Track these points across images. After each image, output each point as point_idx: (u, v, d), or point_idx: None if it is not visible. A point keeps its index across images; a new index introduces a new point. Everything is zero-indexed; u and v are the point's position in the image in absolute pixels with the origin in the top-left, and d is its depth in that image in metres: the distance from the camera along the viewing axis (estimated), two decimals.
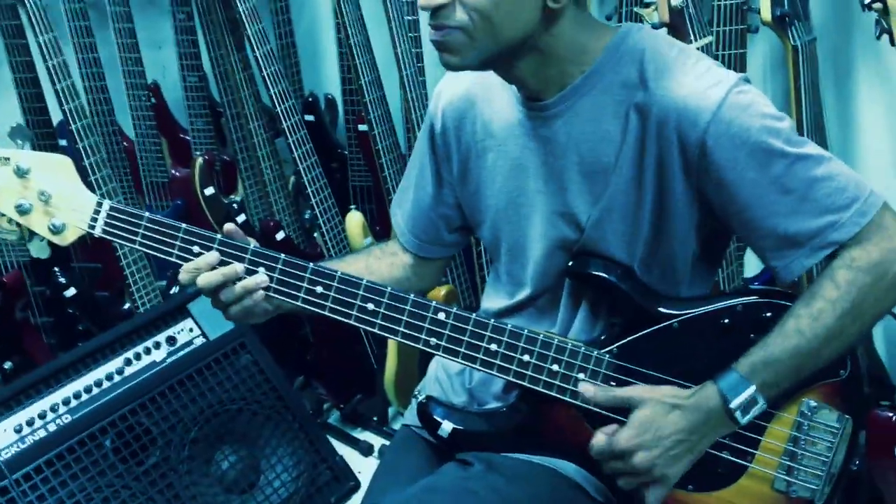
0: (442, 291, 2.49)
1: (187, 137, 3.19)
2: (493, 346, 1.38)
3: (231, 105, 2.99)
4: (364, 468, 2.43)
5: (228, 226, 1.41)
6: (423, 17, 2.64)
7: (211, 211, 2.95)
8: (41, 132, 2.89)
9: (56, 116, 2.85)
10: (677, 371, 1.36)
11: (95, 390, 2.08)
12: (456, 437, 1.45)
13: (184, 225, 1.38)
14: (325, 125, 3.20)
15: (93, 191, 1.39)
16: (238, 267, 1.37)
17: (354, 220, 2.65)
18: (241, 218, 2.81)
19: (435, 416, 1.47)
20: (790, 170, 1.28)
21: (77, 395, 2.06)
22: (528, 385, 1.38)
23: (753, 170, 1.28)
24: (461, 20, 1.27)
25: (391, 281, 1.58)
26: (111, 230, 1.38)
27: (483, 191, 1.49)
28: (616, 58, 1.34)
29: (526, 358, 1.38)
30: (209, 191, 2.95)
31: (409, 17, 2.61)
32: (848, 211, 1.28)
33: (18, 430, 1.98)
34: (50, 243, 1.42)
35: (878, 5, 1.80)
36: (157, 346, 2.18)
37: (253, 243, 1.40)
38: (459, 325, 1.38)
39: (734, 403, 1.29)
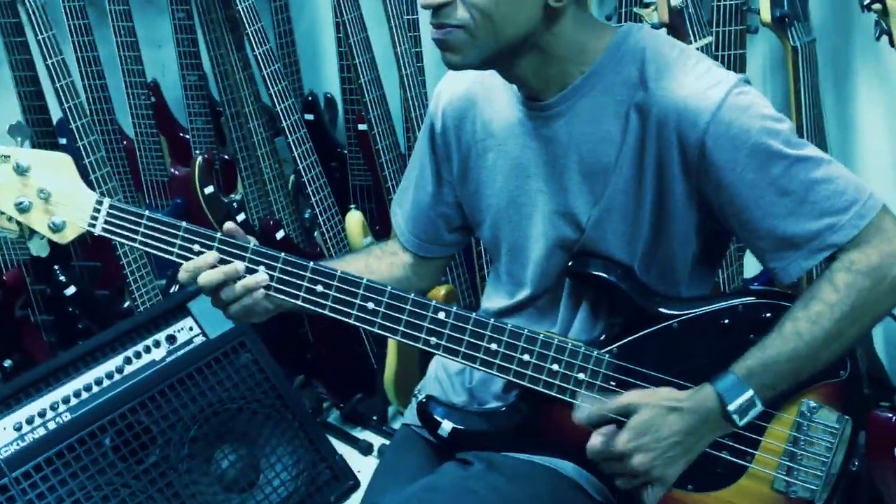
0: (442, 291, 2.49)
1: (187, 136, 3.19)
2: (494, 346, 1.38)
3: (231, 104, 2.99)
4: (364, 467, 2.43)
5: (228, 224, 1.41)
6: (423, 16, 2.65)
7: (211, 210, 2.95)
8: (41, 130, 2.89)
9: (56, 115, 2.85)
10: (677, 371, 1.36)
11: (95, 388, 2.08)
12: (456, 436, 1.46)
13: (184, 223, 1.38)
14: (325, 124, 3.20)
15: (92, 189, 1.38)
16: (239, 265, 1.37)
17: (354, 220, 2.65)
18: (240, 217, 2.80)
19: (435, 416, 1.47)
20: (789, 171, 1.28)
21: (77, 394, 2.06)
22: (528, 385, 1.39)
23: (752, 171, 1.28)
24: (463, 18, 1.27)
25: (391, 280, 1.57)
26: (111, 228, 1.38)
27: (483, 190, 1.49)
28: (617, 58, 1.34)
29: (526, 357, 1.38)
30: (209, 190, 2.94)
31: (409, 17, 2.61)
32: (847, 214, 1.28)
33: (18, 429, 1.98)
34: (50, 241, 1.42)
35: (877, 6, 1.80)
36: (157, 344, 2.18)
37: (253, 242, 1.40)
38: (459, 324, 1.38)
39: (732, 406, 1.29)
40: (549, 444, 1.43)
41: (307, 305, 1.39)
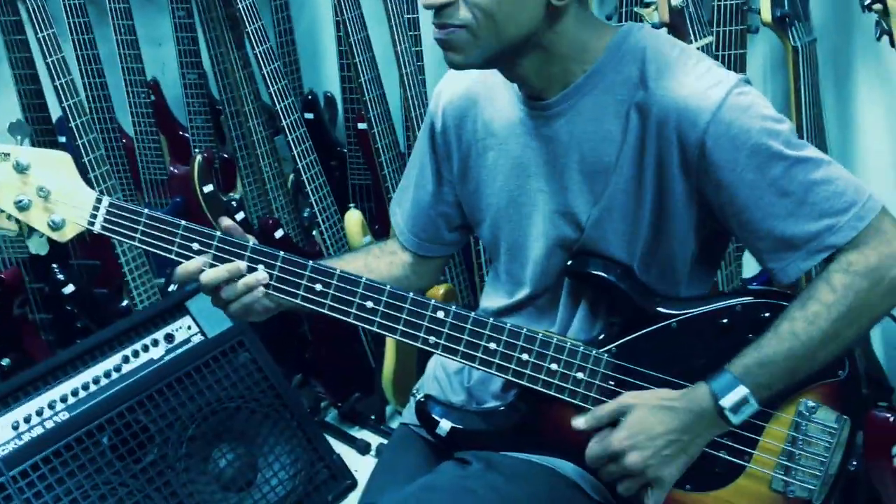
0: (440, 290, 2.48)
1: (186, 135, 3.19)
2: (492, 345, 1.38)
3: (230, 103, 2.98)
4: (361, 467, 2.43)
5: (225, 220, 1.41)
6: (423, 15, 2.65)
7: (210, 209, 2.94)
8: (40, 128, 2.89)
9: (55, 113, 2.85)
10: (676, 371, 1.36)
11: (93, 387, 2.08)
12: (454, 435, 1.46)
13: (183, 222, 1.38)
14: (325, 123, 3.20)
15: (91, 188, 1.38)
16: (241, 264, 1.37)
17: (353, 219, 2.65)
18: (240, 216, 2.80)
19: (433, 415, 1.47)
20: (789, 172, 1.28)
21: (75, 393, 2.06)
22: (527, 384, 1.38)
23: (752, 171, 1.28)
24: (465, 18, 1.27)
25: (390, 279, 1.57)
26: (110, 226, 1.38)
27: (483, 189, 1.49)
28: (617, 57, 1.34)
29: (525, 357, 1.38)
30: (208, 188, 2.94)
31: (409, 16, 2.61)
32: (846, 215, 1.28)
33: (16, 427, 1.98)
34: (49, 240, 1.42)
35: (878, 6, 1.80)
36: (155, 343, 2.18)
37: (252, 241, 1.40)
38: (458, 323, 1.38)
39: (725, 403, 1.29)
40: (548, 443, 1.43)
41: (306, 304, 1.39)
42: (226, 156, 3.16)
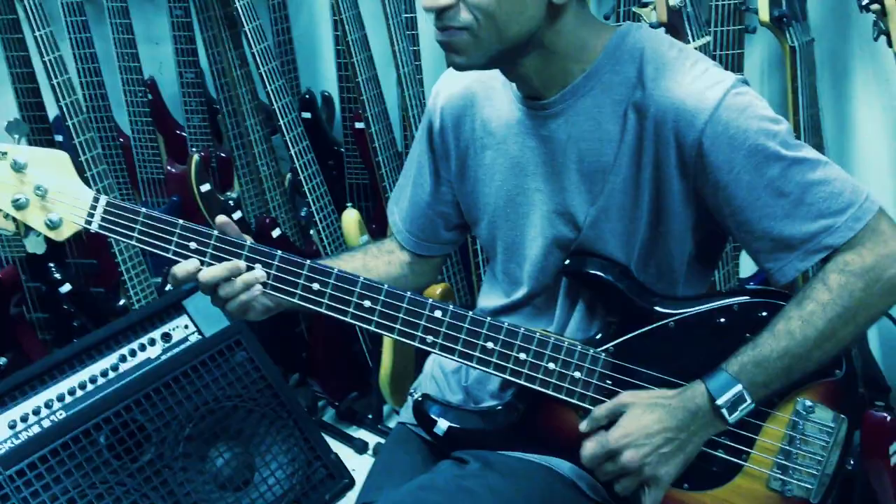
0: (438, 290, 2.48)
1: (184, 134, 3.18)
2: (490, 345, 1.38)
3: (228, 102, 2.98)
4: (359, 466, 2.42)
5: (221, 218, 1.41)
6: (421, 15, 2.65)
7: (207, 208, 2.94)
8: (37, 127, 2.89)
9: (52, 111, 2.84)
10: (673, 370, 1.36)
11: (90, 386, 2.08)
12: (452, 435, 1.46)
13: (181, 221, 1.38)
14: (322, 122, 3.20)
15: (88, 186, 1.38)
16: (240, 263, 1.37)
17: (351, 218, 2.65)
18: (237, 215, 2.80)
19: (431, 415, 1.47)
20: (786, 173, 1.28)
21: (72, 392, 2.06)
22: (525, 383, 1.38)
23: (749, 172, 1.28)
24: (466, 20, 1.27)
25: (388, 279, 1.58)
26: (108, 226, 1.38)
27: (481, 189, 1.49)
28: (616, 57, 1.34)
29: (522, 356, 1.38)
30: (205, 187, 2.94)
31: (407, 15, 2.61)
32: (843, 216, 1.28)
33: (12, 426, 1.98)
34: (46, 239, 1.41)
35: (875, 7, 1.81)
36: (153, 342, 2.18)
37: (248, 240, 1.40)
38: (456, 322, 1.38)
39: (720, 401, 1.29)
40: (546, 442, 1.43)
41: (304, 303, 1.39)
42: (223, 155, 3.16)
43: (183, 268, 1.37)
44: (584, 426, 1.35)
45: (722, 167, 1.28)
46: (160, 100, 3.33)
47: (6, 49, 2.82)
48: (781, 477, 1.38)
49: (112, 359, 2.12)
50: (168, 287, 2.69)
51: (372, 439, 2.71)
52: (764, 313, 1.35)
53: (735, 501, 1.39)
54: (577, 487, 1.42)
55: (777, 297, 1.37)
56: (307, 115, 3.14)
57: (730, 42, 2.01)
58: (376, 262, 1.60)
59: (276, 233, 2.76)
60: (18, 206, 1.36)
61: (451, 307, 1.38)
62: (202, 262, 1.37)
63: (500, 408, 1.46)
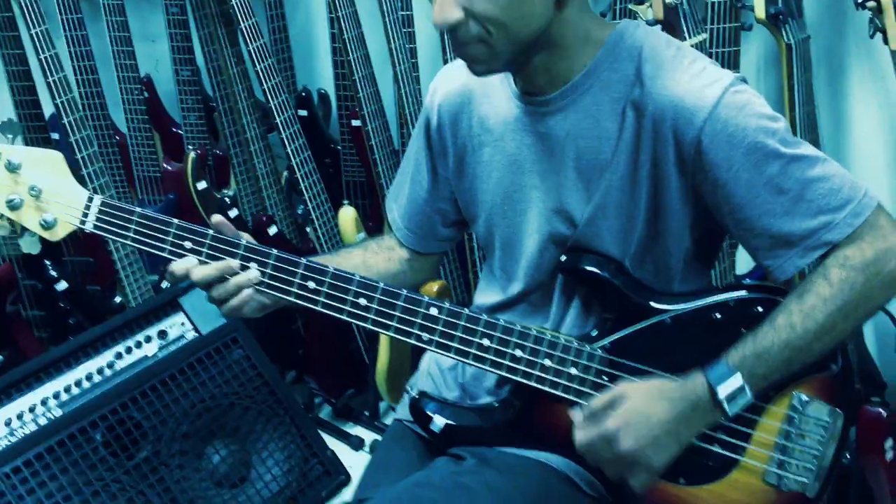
0: (434, 287, 2.48)
1: (180, 132, 3.18)
2: (486, 342, 1.38)
3: (224, 99, 2.98)
4: (355, 463, 2.43)
5: (216, 217, 1.41)
6: (418, 13, 2.65)
7: (203, 205, 2.94)
8: (33, 125, 2.88)
9: (48, 109, 2.84)
10: (669, 366, 1.36)
11: (86, 384, 2.08)
12: (448, 432, 1.46)
13: (176, 220, 1.37)
14: (319, 120, 3.20)
15: (85, 185, 1.38)
16: (234, 263, 1.37)
17: (347, 215, 2.65)
18: (233, 212, 2.80)
19: (427, 412, 1.47)
20: (785, 170, 1.28)
21: (68, 389, 2.06)
22: (521, 380, 1.38)
23: (748, 170, 1.28)
24: (478, 33, 1.28)
25: (387, 275, 1.58)
26: (102, 225, 1.38)
27: (479, 185, 1.49)
28: (614, 55, 1.34)
29: (518, 353, 1.38)
30: (202, 185, 2.93)
31: (404, 13, 2.61)
32: (842, 212, 1.28)
33: (8, 424, 1.98)
34: (41, 239, 1.41)
35: (871, 4, 1.81)
36: (149, 340, 2.18)
37: (245, 238, 1.40)
38: (452, 320, 1.38)
39: (721, 392, 1.29)
40: (542, 439, 1.43)
41: (300, 302, 1.39)
42: (219, 152, 3.16)
43: (181, 265, 1.37)
44: (579, 416, 1.33)
45: (721, 165, 1.28)
46: (156, 97, 3.33)
47: (2, 47, 2.81)
48: (777, 471, 1.38)
49: (108, 356, 2.13)
50: (165, 284, 2.69)
51: (368, 436, 2.71)
52: (760, 309, 1.36)
53: (731, 496, 1.39)
54: (574, 483, 1.42)
55: (773, 292, 1.38)
56: (303, 112, 3.14)
57: (726, 39, 2.01)
58: (376, 258, 1.60)
59: (272, 230, 2.76)
60: (13, 206, 1.36)
61: (447, 305, 1.38)
62: (199, 261, 1.38)
63: (496, 405, 1.46)
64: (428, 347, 1.39)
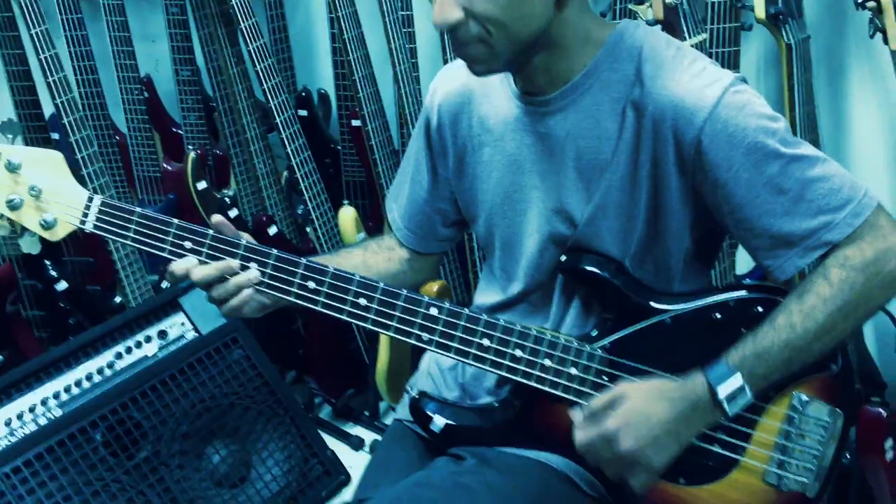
0: (434, 287, 2.48)
1: (180, 132, 3.18)
2: (486, 342, 1.38)
3: (224, 99, 2.98)
4: (355, 463, 2.43)
5: (216, 217, 1.41)
6: (418, 13, 2.65)
7: (203, 205, 2.94)
8: (33, 125, 2.88)
9: (48, 109, 2.84)
10: (669, 366, 1.36)
11: (86, 384, 2.08)
12: (448, 432, 1.46)
13: (176, 220, 1.37)
14: (319, 120, 3.20)
15: (85, 185, 1.38)
16: (233, 263, 1.37)
17: (347, 215, 2.65)
18: (233, 212, 2.80)
19: (427, 412, 1.47)
20: (785, 170, 1.28)
21: (68, 389, 2.06)
22: (521, 380, 1.38)
23: (748, 170, 1.28)
24: (478, 33, 1.28)
25: (388, 275, 1.58)
26: (102, 225, 1.37)
27: (479, 185, 1.49)
28: (614, 55, 1.34)
29: (518, 353, 1.38)
30: (202, 185, 2.93)
31: (404, 13, 2.61)
32: (842, 212, 1.28)
33: (8, 424, 1.98)
34: (41, 239, 1.41)
35: (871, 4, 1.81)
36: (149, 340, 2.18)
37: (245, 238, 1.40)
38: (452, 320, 1.38)
39: (721, 392, 1.29)
40: (542, 439, 1.43)
41: (300, 302, 1.39)
42: (219, 152, 3.16)
43: (181, 265, 1.37)
44: (579, 416, 1.33)
45: (721, 165, 1.28)
46: (156, 97, 3.33)
47: (2, 47, 2.81)
48: (777, 471, 1.38)
49: (108, 356, 2.13)
50: (164, 284, 2.69)
51: (368, 436, 2.71)
52: (760, 309, 1.36)
53: (731, 496, 1.39)
54: (574, 483, 1.42)
55: (773, 292, 1.38)
56: (303, 112, 3.14)
57: (726, 39, 2.01)
58: (376, 258, 1.60)
59: (272, 230, 2.76)
60: (13, 206, 1.36)
61: (447, 305, 1.38)
62: (199, 261, 1.38)
63: (496, 405, 1.46)
64: (428, 347, 1.39)
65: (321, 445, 2.24)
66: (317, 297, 1.38)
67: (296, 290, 1.38)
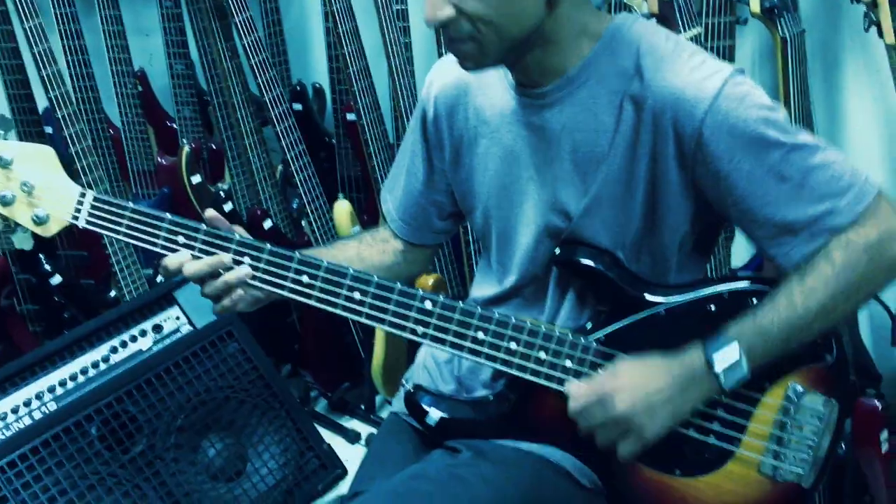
0: (430, 280, 2.48)
1: (174, 125, 3.18)
2: (481, 335, 1.38)
3: (218, 93, 2.97)
4: (351, 456, 2.43)
5: (210, 212, 1.40)
6: (413, 6, 2.65)
7: (198, 199, 2.94)
8: (27, 119, 2.88)
9: (42, 103, 2.83)
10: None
11: (81, 378, 2.08)
12: (444, 425, 1.46)
13: (168, 215, 1.37)
14: (314, 114, 3.19)
15: (78, 179, 1.38)
16: (225, 257, 1.37)
17: (342, 209, 2.65)
18: (228, 206, 2.80)
19: (422, 405, 1.47)
20: (786, 159, 1.29)
21: (62, 383, 2.06)
22: (516, 373, 1.39)
23: (750, 160, 1.28)
24: (469, 31, 1.28)
25: (382, 267, 1.58)
26: (95, 221, 1.37)
27: (475, 177, 1.49)
28: (611, 48, 1.34)
29: (513, 346, 1.38)
30: (196, 179, 2.93)
31: (398, 6, 2.60)
32: (844, 198, 1.29)
33: (3, 418, 1.98)
34: (34, 234, 1.41)
35: None
36: (144, 334, 2.18)
37: (238, 233, 1.39)
38: (446, 313, 1.38)
39: (717, 363, 1.29)
40: (537, 431, 1.43)
41: (294, 296, 1.38)
42: (214, 146, 3.15)
43: (174, 259, 1.37)
44: (574, 385, 1.34)
45: (722, 157, 1.29)
46: (150, 91, 3.32)
47: None
48: (773, 462, 1.39)
49: (103, 350, 2.12)
50: (159, 278, 2.69)
51: (364, 429, 2.71)
52: (755, 300, 1.35)
53: (727, 487, 1.40)
54: (570, 476, 1.42)
55: (768, 284, 1.37)
56: (298, 106, 3.14)
57: (721, 33, 2.01)
58: (370, 250, 1.60)
59: (267, 224, 2.75)
60: (5, 202, 1.35)
61: (441, 298, 1.38)
62: (192, 256, 1.37)
63: (491, 398, 1.46)
64: (423, 341, 1.39)
65: (317, 439, 2.24)
66: (311, 292, 1.38)
67: (289, 285, 1.38)
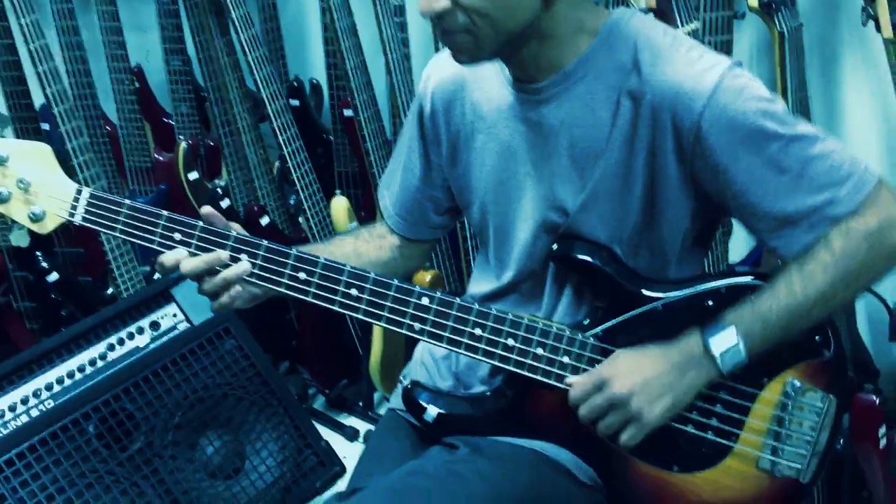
0: (427, 277, 2.48)
1: (171, 122, 3.17)
2: (478, 331, 1.38)
3: (215, 89, 2.97)
4: (349, 453, 2.43)
5: (206, 208, 1.40)
6: (410, 2, 2.64)
7: (195, 196, 2.93)
8: (23, 116, 2.87)
9: (38, 100, 2.82)
10: None
11: (78, 375, 2.07)
12: (442, 421, 1.46)
13: (165, 212, 1.37)
14: (311, 110, 3.19)
15: (75, 175, 1.37)
16: (222, 254, 1.36)
17: (339, 205, 2.65)
18: (225, 203, 2.79)
19: (420, 401, 1.47)
20: (785, 150, 1.28)
21: (60, 381, 2.05)
22: (513, 369, 1.39)
23: (749, 153, 1.28)
24: (464, 23, 1.28)
25: (378, 263, 1.58)
26: (91, 218, 1.37)
27: (472, 173, 1.48)
28: (609, 43, 1.34)
29: (510, 342, 1.38)
30: (193, 175, 2.93)
31: (396, 2, 2.60)
32: (844, 187, 1.29)
33: (1, 416, 1.98)
34: (30, 231, 1.40)
35: None
36: (141, 331, 2.17)
37: (235, 229, 1.39)
38: (443, 309, 1.38)
39: (714, 346, 1.30)
40: (535, 427, 1.43)
41: (291, 293, 1.38)
42: (211, 143, 3.15)
43: (171, 256, 1.37)
44: (574, 378, 1.35)
45: (721, 149, 1.28)
46: (147, 88, 3.31)
47: None
48: (771, 457, 1.39)
49: (100, 348, 2.12)
50: (156, 275, 2.68)
51: (362, 426, 2.71)
52: (752, 295, 1.36)
53: (725, 482, 1.40)
54: (568, 472, 1.42)
55: (765, 279, 1.37)
56: (295, 102, 3.13)
57: (719, 28, 2.01)
58: (367, 246, 1.60)
59: (264, 220, 2.75)
60: (1, 199, 1.35)
61: (438, 294, 1.38)
62: (189, 253, 1.37)
63: (489, 394, 1.46)
64: (420, 337, 1.39)
65: (315, 436, 2.23)
66: (307, 288, 1.38)
67: (286, 281, 1.38)
